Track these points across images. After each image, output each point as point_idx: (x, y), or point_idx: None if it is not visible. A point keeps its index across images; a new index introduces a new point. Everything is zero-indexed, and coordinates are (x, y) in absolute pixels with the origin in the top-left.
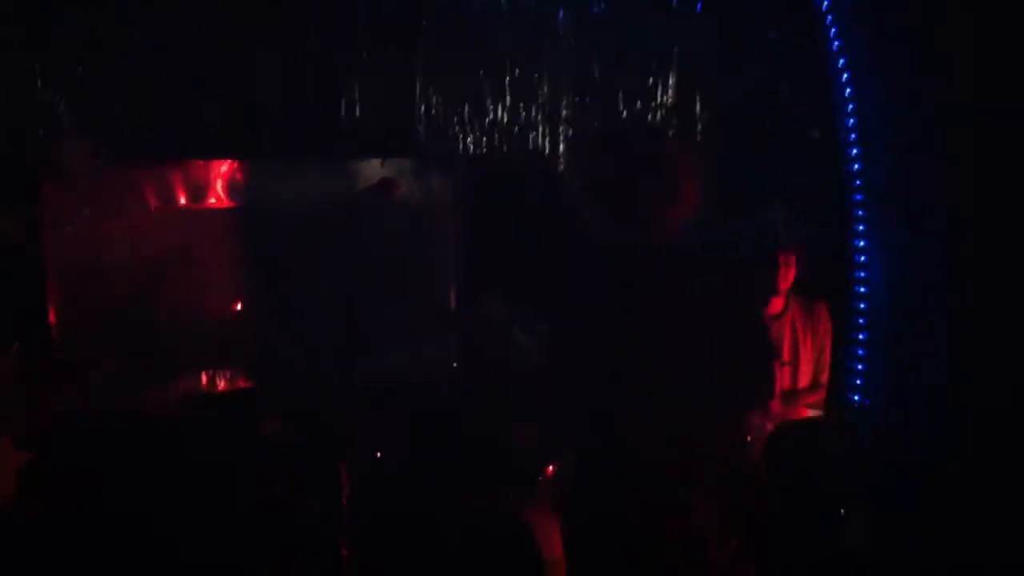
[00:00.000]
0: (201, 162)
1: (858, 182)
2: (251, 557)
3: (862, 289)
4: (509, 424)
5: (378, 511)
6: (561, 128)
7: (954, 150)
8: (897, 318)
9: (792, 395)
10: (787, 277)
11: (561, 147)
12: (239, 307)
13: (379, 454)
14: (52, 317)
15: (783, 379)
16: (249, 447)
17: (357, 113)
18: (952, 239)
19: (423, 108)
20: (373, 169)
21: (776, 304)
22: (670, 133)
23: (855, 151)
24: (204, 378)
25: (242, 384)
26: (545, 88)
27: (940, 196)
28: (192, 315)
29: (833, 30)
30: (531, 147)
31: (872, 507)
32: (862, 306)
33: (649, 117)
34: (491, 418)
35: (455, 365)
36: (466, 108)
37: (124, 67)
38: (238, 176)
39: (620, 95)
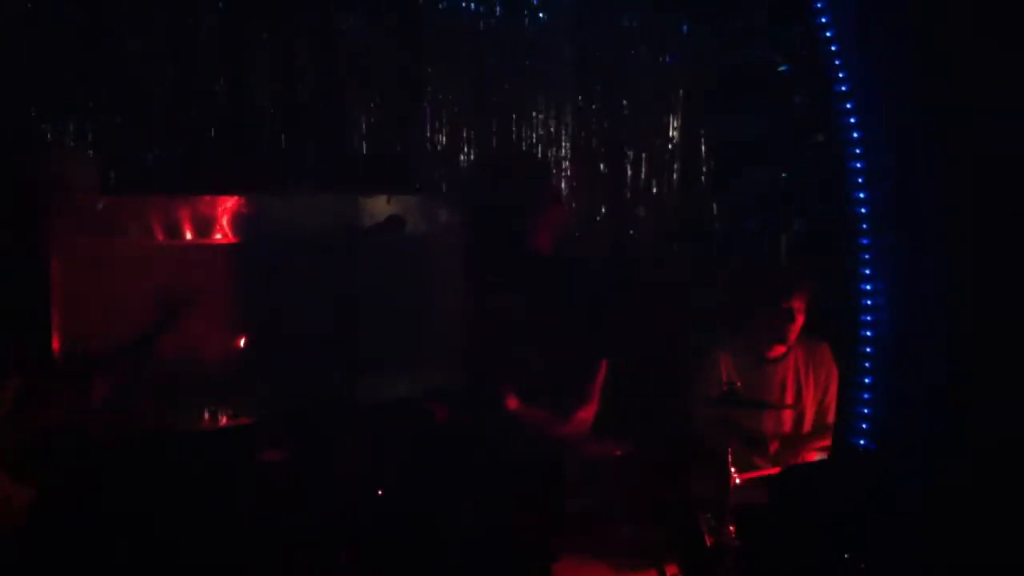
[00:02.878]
0: (207, 197)
1: (863, 209)
2: (252, 560)
3: (868, 317)
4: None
5: (378, 513)
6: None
7: (955, 166)
8: (902, 340)
9: (797, 437)
10: (795, 327)
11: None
12: (241, 335)
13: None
14: (55, 341)
15: (787, 422)
16: (250, 469)
17: (363, 147)
18: (954, 257)
19: (428, 142)
20: (380, 206)
21: (779, 348)
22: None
23: (860, 179)
24: (206, 403)
25: (243, 410)
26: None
27: (942, 212)
28: (195, 342)
29: (837, 59)
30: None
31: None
32: (868, 333)
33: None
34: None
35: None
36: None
37: (129, 97)
38: (244, 211)
39: (623, 121)
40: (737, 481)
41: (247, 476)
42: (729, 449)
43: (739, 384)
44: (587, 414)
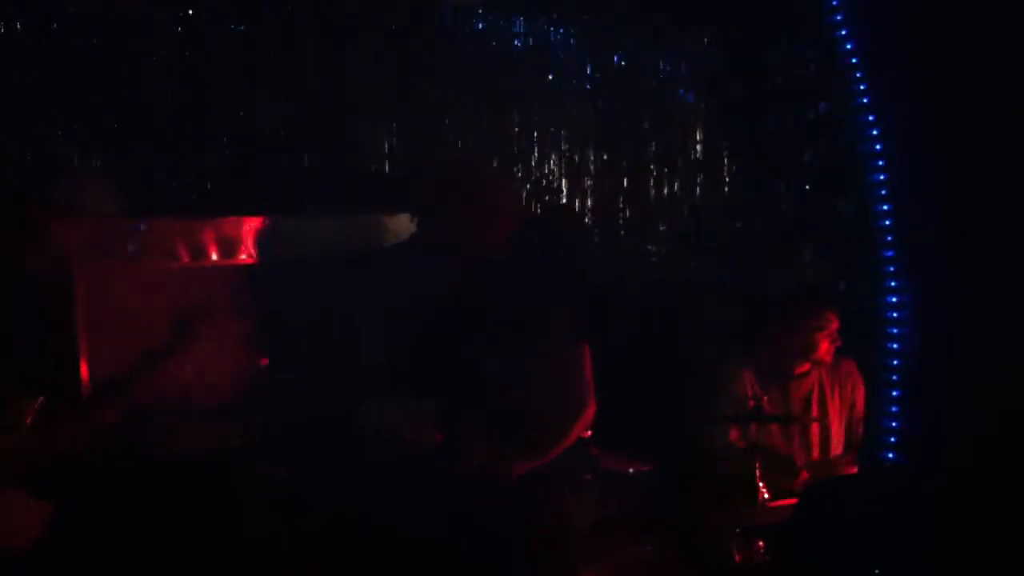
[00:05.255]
0: (222, 219)
1: (887, 223)
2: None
3: (894, 345)
4: None
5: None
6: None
7: (979, 179)
8: (929, 365)
9: (827, 462)
10: (830, 350)
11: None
12: (255, 359)
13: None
14: (84, 366)
15: (815, 446)
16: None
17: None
18: (979, 271)
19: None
20: (403, 224)
21: (806, 364)
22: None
23: (883, 192)
24: (215, 423)
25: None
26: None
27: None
28: (209, 366)
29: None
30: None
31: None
32: (895, 362)
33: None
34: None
35: None
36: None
37: (143, 120)
38: (257, 231)
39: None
40: (766, 495)
41: (252, 496)
42: (757, 464)
43: (765, 399)
44: (588, 414)
